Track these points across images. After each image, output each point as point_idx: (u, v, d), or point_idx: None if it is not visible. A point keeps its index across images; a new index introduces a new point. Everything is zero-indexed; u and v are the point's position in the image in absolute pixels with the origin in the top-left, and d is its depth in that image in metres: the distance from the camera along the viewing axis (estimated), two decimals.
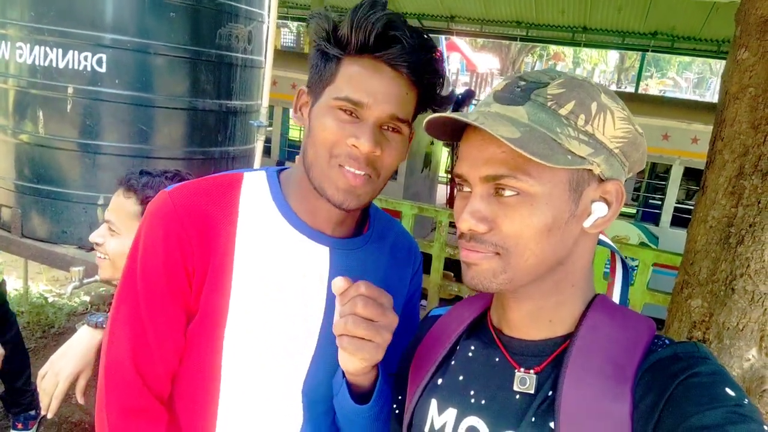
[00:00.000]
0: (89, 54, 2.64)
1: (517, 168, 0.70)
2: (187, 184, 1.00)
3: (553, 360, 0.76)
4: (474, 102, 11.06)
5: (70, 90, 2.68)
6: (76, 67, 2.65)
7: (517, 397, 0.76)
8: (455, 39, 17.98)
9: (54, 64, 2.65)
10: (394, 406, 0.97)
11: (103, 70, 2.66)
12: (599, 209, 0.74)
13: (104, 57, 2.64)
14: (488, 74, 23.60)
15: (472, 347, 0.85)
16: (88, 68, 2.66)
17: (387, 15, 0.88)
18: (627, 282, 0.88)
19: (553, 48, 26.46)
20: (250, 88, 3.01)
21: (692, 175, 5.64)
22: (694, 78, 37.04)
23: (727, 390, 0.62)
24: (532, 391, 0.75)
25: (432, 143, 6.99)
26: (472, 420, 0.78)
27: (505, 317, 0.82)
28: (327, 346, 1.00)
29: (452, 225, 6.48)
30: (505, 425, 0.75)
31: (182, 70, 2.77)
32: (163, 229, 0.94)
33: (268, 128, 4.62)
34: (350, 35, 0.88)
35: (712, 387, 0.63)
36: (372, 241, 1.07)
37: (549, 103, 0.71)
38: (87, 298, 4.64)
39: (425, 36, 0.92)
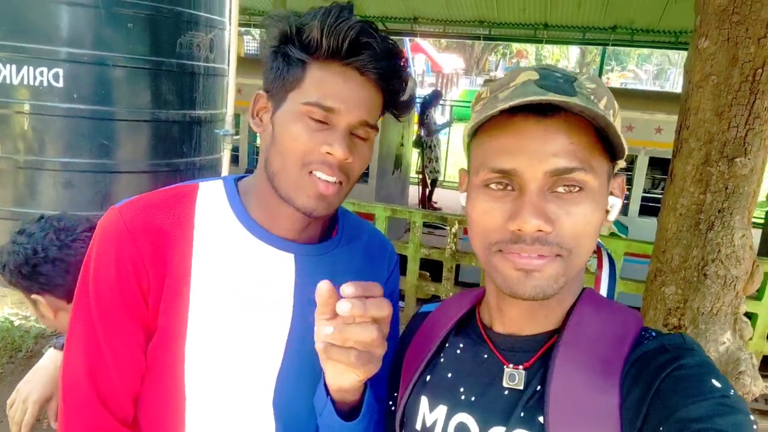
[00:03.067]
0: (45, 69, 2.56)
1: (586, 161, 0.67)
2: (138, 199, 0.95)
3: (541, 355, 0.75)
4: (442, 102, 11.12)
5: (26, 107, 2.59)
6: (31, 82, 2.56)
7: (506, 393, 0.75)
8: (419, 40, 18.06)
9: (8, 81, 2.56)
10: (390, 402, 0.95)
11: (61, 84, 2.58)
12: (615, 203, 0.75)
13: (61, 71, 2.56)
14: (453, 74, 23.77)
15: (461, 344, 0.84)
16: (45, 83, 2.57)
17: (359, 22, 0.87)
18: (614, 275, 0.87)
19: (515, 46, 26.81)
20: (214, 97, 2.96)
21: (657, 164, 5.74)
22: (653, 69, 37.88)
23: (714, 381, 0.62)
24: (521, 387, 0.74)
25: (402, 145, 6.99)
26: (462, 417, 0.77)
27: (500, 315, 0.80)
28: (295, 356, 0.97)
29: (426, 225, 6.49)
30: (494, 422, 0.74)
31: (143, 81, 2.71)
32: (115, 248, 0.90)
33: (235, 137, 4.53)
34: (321, 40, 0.86)
35: (699, 379, 0.62)
36: (341, 245, 1.04)
37: (591, 97, 0.68)
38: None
39: (392, 42, 0.91)
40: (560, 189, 0.68)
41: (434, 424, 0.80)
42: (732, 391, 0.61)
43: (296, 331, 0.97)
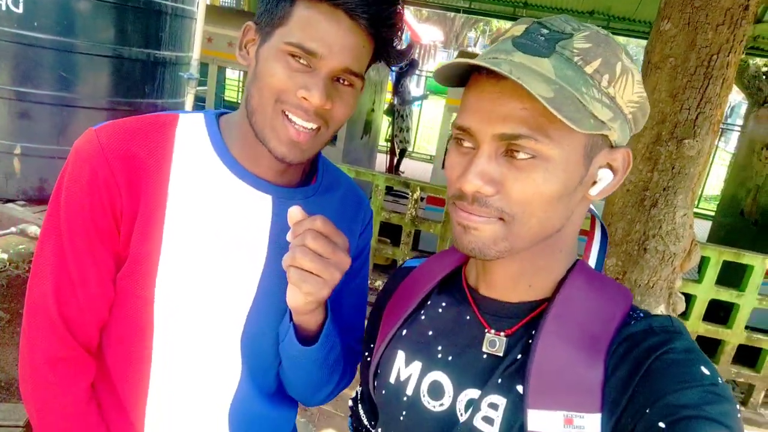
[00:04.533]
0: None
1: (538, 128, 0.64)
2: (116, 123, 0.93)
3: (525, 324, 0.74)
4: (418, 72, 11.05)
5: None
6: None
7: (485, 357, 0.74)
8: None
9: None
10: (366, 354, 0.95)
11: (20, 10, 2.49)
12: (605, 176, 0.71)
13: None
14: (431, 46, 23.61)
15: (444, 303, 0.83)
16: (3, 8, 2.48)
17: None
18: (604, 247, 0.86)
19: (495, 24, 26.72)
20: (180, 40, 2.89)
21: None
22: None
23: (703, 369, 0.62)
24: (501, 354, 0.73)
25: (373, 110, 6.96)
26: (437, 375, 0.77)
27: (484, 277, 0.79)
28: (266, 296, 0.98)
29: (393, 194, 6.48)
30: (468, 383, 0.74)
31: (108, 16, 2.63)
32: (89, 169, 0.88)
33: (202, 88, 4.44)
34: None
35: (689, 365, 0.62)
36: (319, 193, 1.03)
37: (575, 59, 0.65)
38: (4, 256, 4.42)
39: None
40: (515, 155, 0.66)
41: (408, 378, 0.80)
42: (720, 379, 0.61)
43: (269, 272, 0.97)
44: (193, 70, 2.83)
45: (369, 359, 0.94)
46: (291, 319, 0.91)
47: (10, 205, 2.60)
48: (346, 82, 0.89)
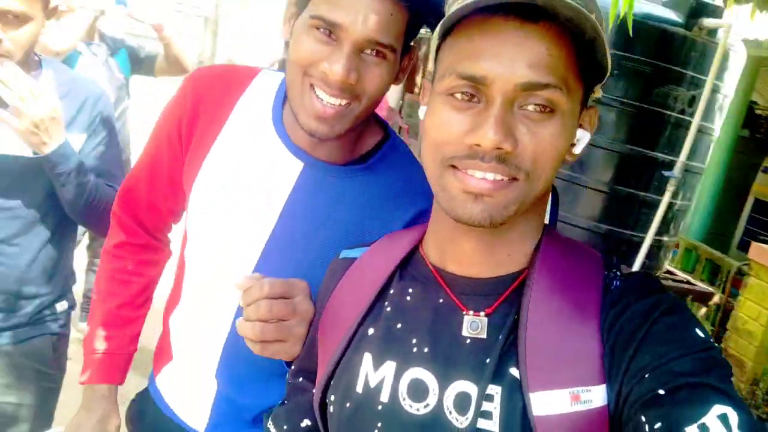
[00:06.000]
0: None
1: (563, 78, 0.60)
2: (212, 67, 1.13)
3: (505, 299, 0.69)
4: None
5: None
6: None
7: (468, 342, 0.68)
8: None
9: None
10: (299, 377, 0.86)
11: None
12: (584, 137, 0.68)
13: None
14: None
15: (410, 289, 0.75)
16: None
17: None
18: (556, 210, 0.80)
19: None
20: (675, 143, 3.34)
21: None
22: None
23: (698, 332, 0.60)
24: (484, 336, 0.67)
25: None
26: (416, 371, 0.69)
27: (453, 252, 0.72)
28: (272, 255, 0.99)
29: None
30: (456, 375, 0.66)
31: (617, 118, 3.24)
32: (178, 95, 1.05)
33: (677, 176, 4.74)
34: None
35: (685, 329, 0.61)
36: (365, 174, 1.00)
37: (581, 6, 0.59)
38: None
39: None
40: (530, 107, 0.61)
41: (381, 383, 0.71)
42: (711, 339, 0.61)
43: (279, 230, 0.99)
44: (676, 171, 3.24)
45: (306, 380, 0.84)
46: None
47: None
48: (375, 54, 0.85)
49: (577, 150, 0.68)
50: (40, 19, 1.34)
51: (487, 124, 0.59)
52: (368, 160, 1.01)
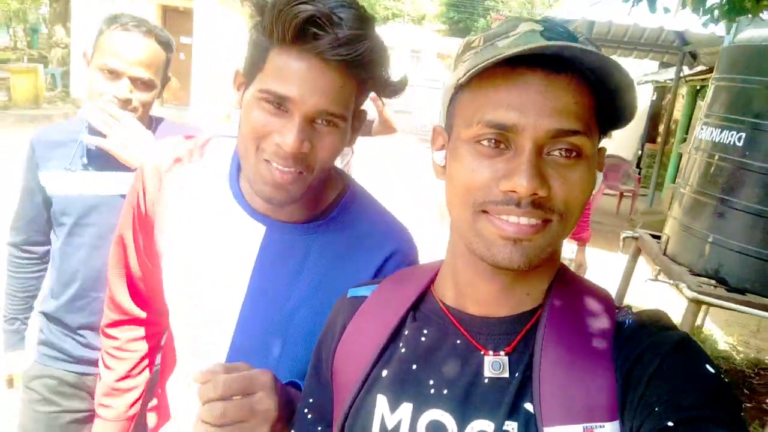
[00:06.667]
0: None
1: (588, 125, 0.63)
2: (166, 140, 1.12)
3: (522, 338, 0.69)
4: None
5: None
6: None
7: (486, 382, 0.68)
8: None
9: None
10: (306, 411, 0.84)
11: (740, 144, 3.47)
12: (599, 177, 0.70)
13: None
14: None
15: (425, 330, 0.75)
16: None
17: (315, 5, 0.81)
18: None
19: None
20: None
21: None
22: None
23: (708, 367, 0.61)
24: (506, 375, 0.67)
25: None
26: (434, 413, 0.69)
27: (474, 294, 0.73)
28: (249, 318, 1.00)
29: None
30: (474, 415, 0.67)
31: None
32: (140, 170, 1.08)
33: None
34: (274, 25, 0.82)
35: (696, 365, 0.62)
36: (329, 228, 1.01)
37: (594, 48, 0.63)
38: None
39: (360, 22, 0.83)
40: (556, 153, 0.63)
41: (398, 425, 0.71)
42: (721, 374, 0.61)
43: (250, 298, 0.99)
44: None
45: (309, 415, 0.83)
46: None
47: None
48: (326, 123, 0.87)
49: (595, 189, 0.70)
50: (159, 88, 1.60)
51: (521, 171, 0.61)
52: (330, 213, 1.02)
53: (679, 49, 9.52)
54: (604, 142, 0.74)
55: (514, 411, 0.64)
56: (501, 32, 0.66)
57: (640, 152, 13.58)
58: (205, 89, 13.23)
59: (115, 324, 1.21)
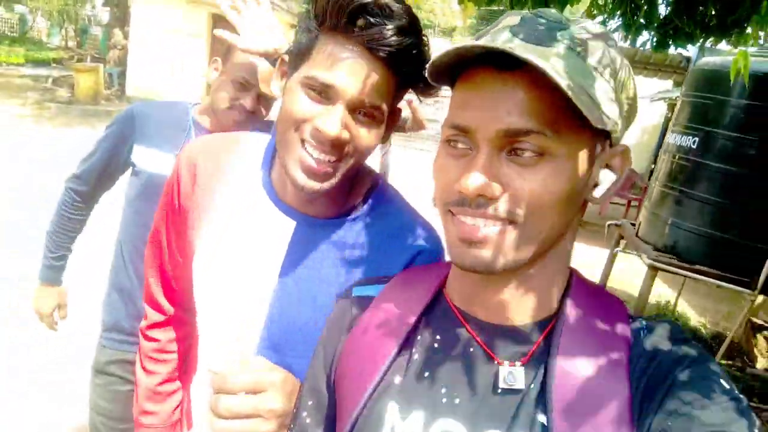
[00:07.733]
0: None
1: (547, 123, 0.60)
2: (204, 138, 1.12)
3: (537, 348, 0.67)
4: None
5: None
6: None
7: (500, 392, 0.66)
8: None
9: None
10: (305, 414, 0.80)
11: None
12: (607, 177, 0.68)
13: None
14: None
15: (437, 336, 0.72)
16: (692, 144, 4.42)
17: None
18: None
19: None
20: None
21: None
22: None
23: (723, 383, 0.60)
24: (522, 386, 0.65)
25: None
26: (446, 423, 0.66)
27: (480, 299, 0.71)
28: (277, 314, 0.99)
29: None
30: (487, 425, 0.64)
31: None
32: (176, 168, 1.07)
33: None
34: (326, 11, 0.84)
35: (712, 380, 0.60)
36: (356, 223, 1.01)
37: (578, 48, 0.61)
38: None
39: (409, 18, 0.85)
40: (522, 153, 0.61)
41: None
42: (736, 390, 0.60)
43: (281, 290, 0.98)
44: None
45: (308, 420, 0.80)
46: None
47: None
48: (365, 115, 0.88)
49: (597, 193, 0.67)
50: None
51: (471, 169, 0.60)
52: (359, 210, 1.01)
53: (685, 70, 10.27)
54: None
55: (527, 422, 0.62)
56: (490, 27, 0.66)
57: (653, 166, 14.15)
58: None
59: (157, 325, 1.19)
